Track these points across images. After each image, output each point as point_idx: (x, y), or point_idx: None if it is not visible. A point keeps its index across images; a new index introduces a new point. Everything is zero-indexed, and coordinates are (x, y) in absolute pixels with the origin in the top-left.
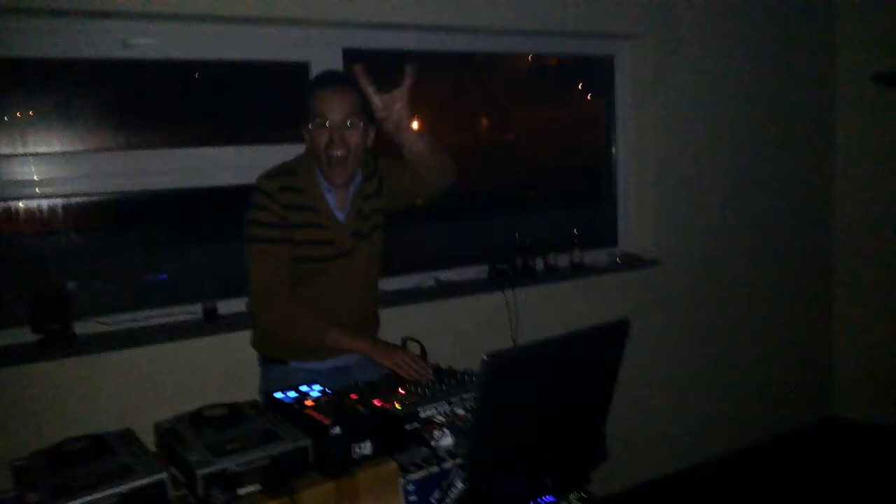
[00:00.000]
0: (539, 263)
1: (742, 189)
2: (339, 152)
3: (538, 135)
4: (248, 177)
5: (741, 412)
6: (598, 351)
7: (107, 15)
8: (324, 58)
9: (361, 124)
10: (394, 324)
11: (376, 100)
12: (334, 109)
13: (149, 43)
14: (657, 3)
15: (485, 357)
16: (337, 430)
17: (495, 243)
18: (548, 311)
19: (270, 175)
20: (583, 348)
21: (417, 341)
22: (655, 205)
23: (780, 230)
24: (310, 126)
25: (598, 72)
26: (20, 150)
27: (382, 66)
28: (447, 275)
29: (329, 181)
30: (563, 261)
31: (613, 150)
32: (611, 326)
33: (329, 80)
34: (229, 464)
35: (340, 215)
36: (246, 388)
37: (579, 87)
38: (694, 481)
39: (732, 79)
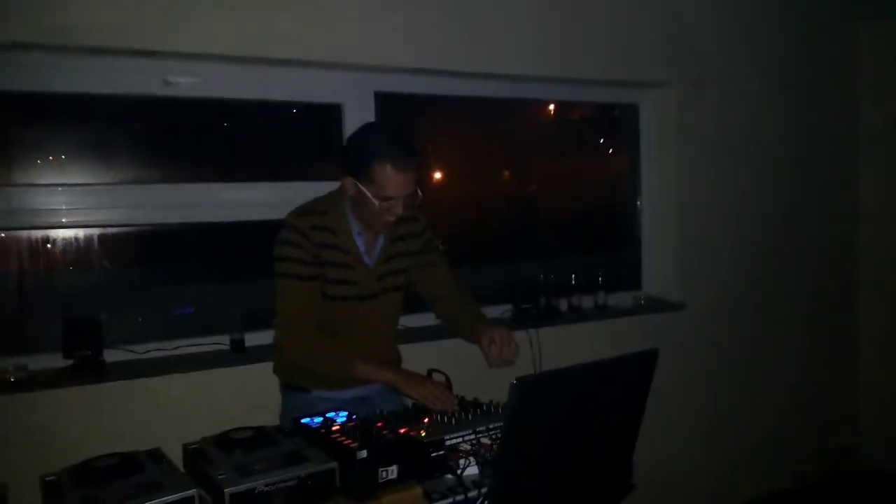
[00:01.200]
0: (563, 304)
1: (765, 234)
2: (393, 220)
3: (565, 181)
4: (276, 213)
5: (764, 459)
6: (626, 379)
7: (150, 53)
8: (356, 100)
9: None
10: (419, 359)
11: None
12: (403, 189)
13: (189, 82)
14: (681, 52)
15: (514, 381)
16: (363, 453)
17: (520, 283)
18: (570, 350)
19: (302, 213)
20: (611, 376)
21: (443, 373)
22: (679, 249)
23: (804, 275)
24: (367, 193)
25: (625, 119)
26: (55, 180)
27: (411, 110)
28: None
29: (373, 234)
30: (587, 302)
31: (638, 195)
32: (639, 355)
33: (400, 158)
34: (256, 483)
35: (369, 260)
36: (269, 418)
37: (606, 133)
38: None
39: (754, 124)
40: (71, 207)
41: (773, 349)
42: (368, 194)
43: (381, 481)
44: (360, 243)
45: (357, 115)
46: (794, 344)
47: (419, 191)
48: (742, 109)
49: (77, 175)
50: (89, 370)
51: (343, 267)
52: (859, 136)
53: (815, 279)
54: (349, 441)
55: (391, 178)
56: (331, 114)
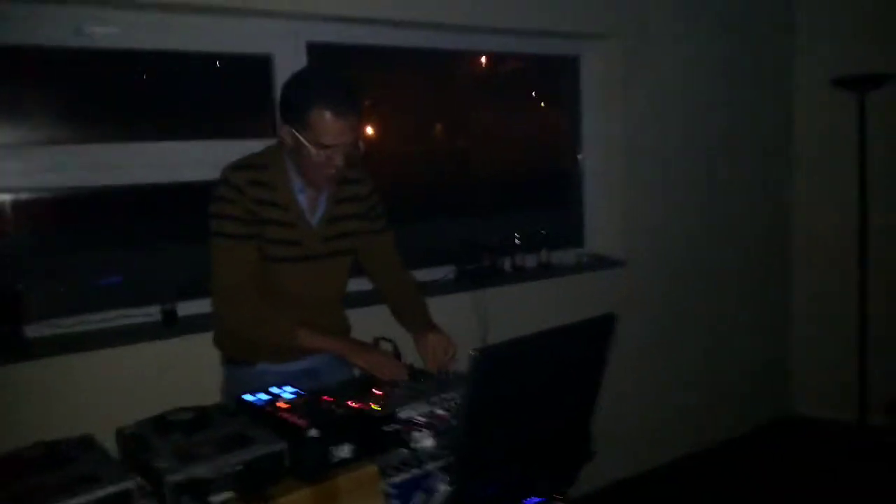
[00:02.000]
0: (507, 264)
1: (707, 189)
2: (334, 171)
3: (505, 136)
4: (208, 173)
5: (705, 411)
6: (585, 346)
7: (60, 1)
8: (287, 51)
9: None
10: (365, 325)
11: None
12: (341, 137)
13: (105, 31)
14: (623, 3)
15: (472, 352)
16: (314, 432)
17: (462, 244)
18: (516, 310)
19: (238, 167)
20: (570, 343)
21: (391, 340)
22: (622, 205)
23: (742, 230)
24: (304, 142)
25: (565, 74)
26: None
27: (344, 62)
28: (415, 275)
29: (315, 189)
30: (530, 261)
31: (580, 151)
32: (598, 321)
33: (339, 102)
34: (200, 470)
35: (312, 218)
36: (208, 393)
37: (547, 88)
38: (660, 480)
39: (697, 80)
40: None
41: (713, 304)
42: (306, 143)
43: (333, 461)
44: (302, 200)
45: (288, 67)
46: (732, 299)
47: (361, 143)
48: (684, 66)
49: None
50: (9, 347)
51: (283, 225)
52: (797, 90)
53: (752, 236)
54: (298, 419)
55: (329, 124)
56: (261, 66)
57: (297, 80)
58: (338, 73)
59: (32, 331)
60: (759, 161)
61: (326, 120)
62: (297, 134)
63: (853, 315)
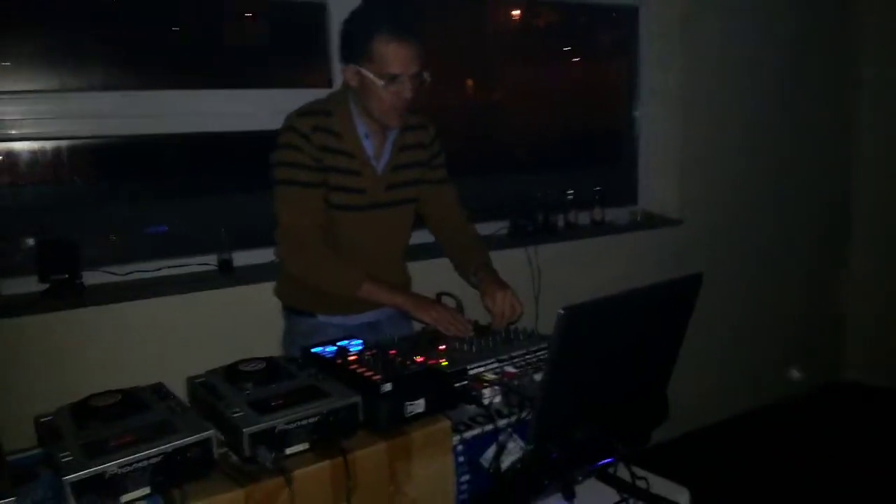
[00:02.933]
0: (560, 220)
1: (766, 149)
2: (405, 104)
3: (563, 90)
4: (259, 123)
5: (755, 373)
6: (669, 306)
7: None
8: None
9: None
10: (426, 278)
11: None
12: (409, 67)
13: None
14: None
15: (560, 311)
16: (388, 387)
17: (516, 199)
18: (568, 267)
19: (304, 113)
20: (656, 303)
21: (454, 296)
22: (678, 164)
23: (801, 191)
24: (371, 76)
25: (624, 24)
26: (12, 87)
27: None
28: None
29: (385, 127)
30: (583, 218)
31: (636, 107)
32: (683, 280)
33: (405, 31)
34: (276, 422)
35: (377, 165)
36: (265, 343)
37: (603, 41)
38: (710, 440)
39: (762, 37)
40: (32, 117)
41: (768, 266)
42: (372, 76)
43: (407, 415)
44: (368, 147)
45: (342, 14)
46: (788, 261)
47: (427, 74)
48: (750, 19)
49: (38, 81)
50: (67, 294)
51: (348, 173)
52: (861, 61)
53: (812, 200)
54: (371, 373)
55: (394, 52)
56: (316, 14)
57: (356, 15)
58: (397, 1)
59: (89, 278)
60: (822, 120)
61: (391, 48)
62: (362, 70)
63: None
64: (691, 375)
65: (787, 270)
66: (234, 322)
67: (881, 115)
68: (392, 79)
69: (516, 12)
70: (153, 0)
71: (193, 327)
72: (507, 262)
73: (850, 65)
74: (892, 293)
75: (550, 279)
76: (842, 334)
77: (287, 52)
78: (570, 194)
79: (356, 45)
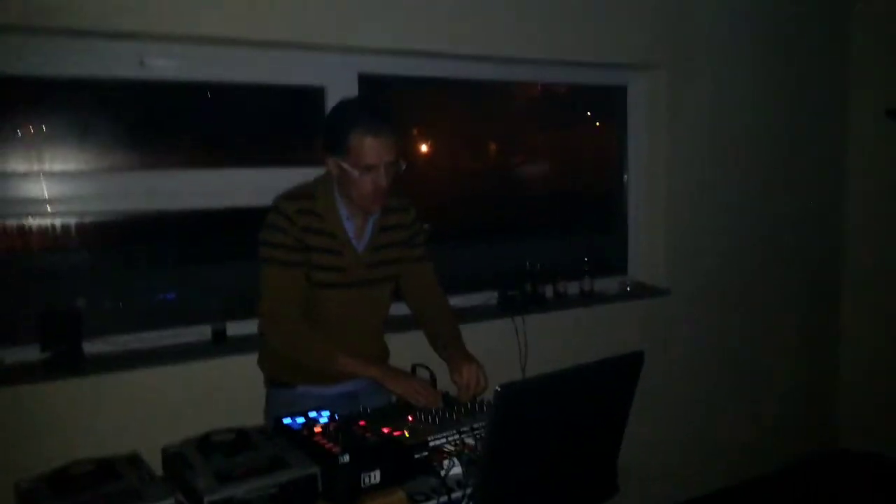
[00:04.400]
0: (549, 291)
1: (752, 220)
2: (381, 192)
3: (550, 161)
4: (261, 199)
5: (749, 443)
6: (611, 383)
7: (124, 35)
8: (340, 82)
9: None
10: (402, 350)
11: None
12: (382, 156)
13: (166, 64)
14: (670, 34)
15: (497, 388)
16: (346, 458)
17: (505, 270)
18: (557, 338)
19: (289, 196)
20: (596, 380)
21: (427, 368)
22: (666, 234)
23: (790, 262)
24: (348, 168)
25: (612, 100)
26: (34, 167)
27: (395, 91)
28: (456, 301)
29: (364, 212)
30: (572, 288)
31: (625, 177)
32: (625, 358)
33: (377, 126)
34: (237, 491)
35: (358, 245)
36: (253, 411)
37: (592, 114)
38: None
39: (745, 110)
40: (56, 195)
41: (758, 334)
42: (350, 168)
43: (363, 486)
44: (349, 228)
45: (341, 97)
46: (778, 330)
47: (402, 162)
48: (732, 94)
49: (56, 162)
50: (67, 363)
51: (330, 252)
52: (849, 125)
53: (801, 267)
54: (331, 445)
55: (368, 145)
56: (314, 97)
57: (334, 111)
58: (368, 98)
59: (89, 347)
60: (810, 191)
61: (365, 142)
62: (341, 162)
63: None
64: (680, 445)
65: (778, 337)
66: (226, 392)
67: (871, 179)
68: (368, 168)
69: (510, 86)
70: (162, 87)
71: (187, 397)
72: (494, 332)
73: (840, 127)
74: (884, 359)
75: (538, 350)
76: (834, 401)
77: (289, 133)
78: (560, 264)
79: (335, 140)
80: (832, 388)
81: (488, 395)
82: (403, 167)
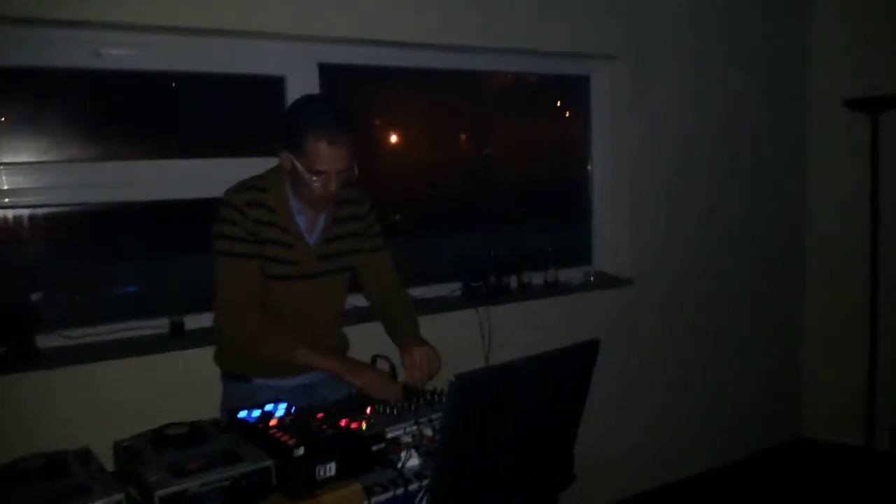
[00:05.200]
0: (513, 281)
1: (717, 209)
2: (329, 197)
3: (514, 152)
4: (219, 190)
5: (712, 432)
6: (567, 372)
7: (77, 24)
8: (299, 72)
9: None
10: (363, 341)
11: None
12: (335, 164)
13: (120, 54)
14: (633, 24)
15: (451, 379)
16: (301, 451)
17: (469, 260)
18: (521, 328)
19: (239, 189)
20: (552, 369)
21: (387, 359)
22: (630, 224)
23: (753, 251)
24: (300, 168)
25: (576, 90)
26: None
27: (356, 82)
28: (420, 291)
29: (313, 209)
30: (537, 279)
31: (589, 168)
32: (580, 347)
33: (333, 132)
34: (189, 484)
35: (310, 238)
36: (212, 405)
37: (556, 104)
38: (664, 502)
39: (707, 99)
40: (10, 187)
41: (721, 324)
42: (302, 168)
43: (318, 479)
44: (301, 221)
45: (300, 87)
46: (741, 321)
47: (355, 167)
48: (695, 85)
49: (10, 153)
50: (19, 358)
51: (282, 245)
52: (810, 116)
53: (764, 258)
54: (286, 437)
55: (322, 152)
56: (274, 87)
57: (293, 109)
58: (333, 101)
59: (44, 341)
60: (771, 180)
61: (320, 148)
62: (293, 160)
63: (862, 338)
64: (642, 435)
65: (740, 327)
66: (183, 385)
67: (832, 169)
68: (319, 173)
69: (473, 77)
70: (117, 77)
71: (143, 390)
72: (458, 323)
73: (801, 118)
74: (845, 347)
75: (502, 340)
76: (796, 391)
77: (248, 123)
78: (524, 255)
79: (290, 137)
80: (795, 378)
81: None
82: (357, 173)
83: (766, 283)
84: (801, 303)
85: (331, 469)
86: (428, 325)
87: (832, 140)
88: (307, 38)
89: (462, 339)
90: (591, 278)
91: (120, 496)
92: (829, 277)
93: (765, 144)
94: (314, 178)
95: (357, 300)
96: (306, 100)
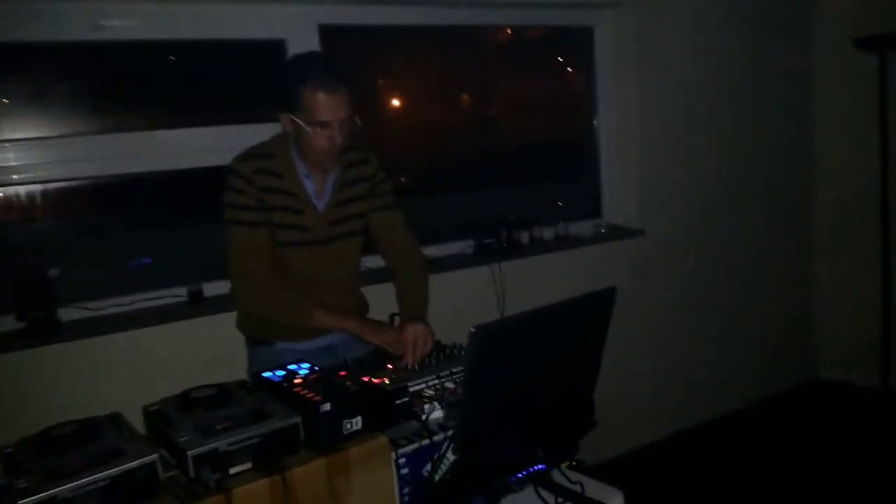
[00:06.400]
0: (524, 237)
1: (724, 155)
2: (336, 149)
3: (521, 109)
4: (228, 157)
5: (727, 377)
6: (584, 320)
7: None
8: (300, 35)
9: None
10: (381, 301)
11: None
12: (336, 114)
13: (120, 24)
14: None
15: (472, 329)
16: (326, 406)
17: (480, 218)
18: (534, 283)
19: (245, 157)
20: (569, 318)
21: None
22: (638, 174)
23: (762, 195)
24: (302, 124)
25: (579, 43)
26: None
27: (358, 42)
28: (432, 250)
29: (321, 170)
30: (548, 233)
31: (595, 121)
32: (597, 295)
33: (328, 81)
34: (219, 443)
35: (319, 203)
36: (234, 369)
37: (561, 59)
38: (680, 447)
39: (712, 46)
40: (21, 164)
41: (733, 270)
42: (304, 124)
43: (345, 433)
44: (309, 186)
45: (301, 50)
46: (752, 264)
47: (357, 118)
48: (700, 32)
49: (17, 130)
50: (44, 331)
51: (291, 211)
52: (817, 57)
53: (773, 200)
54: (312, 394)
55: (321, 102)
56: (275, 51)
57: (285, 68)
58: (320, 54)
59: (65, 314)
60: (779, 125)
61: (318, 99)
62: (295, 119)
63: (875, 278)
64: (659, 383)
65: (753, 273)
66: (205, 350)
67: (840, 110)
68: (322, 125)
69: (477, 34)
70: (119, 48)
71: (166, 357)
72: (472, 280)
73: (808, 62)
74: (857, 288)
75: (516, 295)
76: (811, 333)
77: (251, 89)
78: (535, 210)
79: (288, 96)
80: (809, 321)
81: (461, 341)
82: (359, 124)
83: (777, 227)
84: (812, 245)
85: (357, 423)
86: (442, 284)
87: (839, 81)
88: (306, 0)
89: (476, 296)
90: (602, 230)
91: (154, 456)
92: (840, 219)
93: (771, 89)
94: (318, 132)
95: (372, 261)
96: (295, 58)
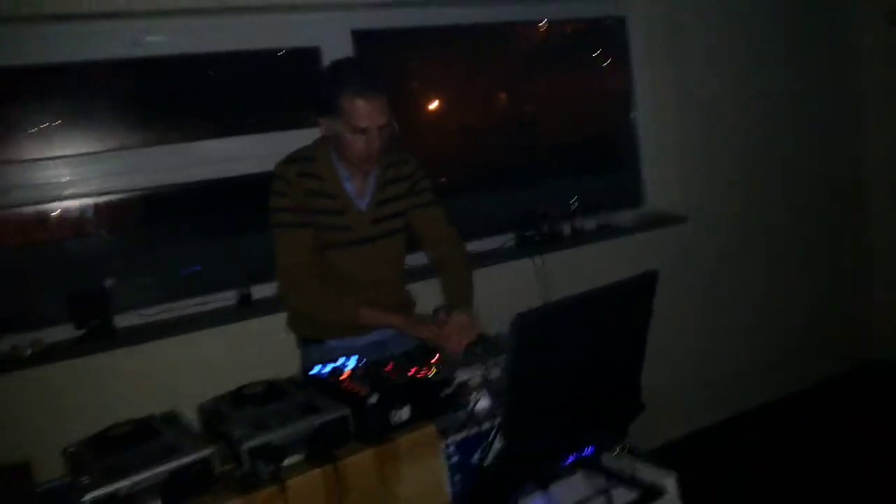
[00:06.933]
0: (566, 228)
1: (764, 138)
2: (374, 152)
3: (558, 103)
4: (269, 164)
5: (779, 361)
6: (627, 304)
7: (115, 16)
8: (333, 41)
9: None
10: (426, 296)
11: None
12: (375, 120)
13: (159, 40)
14: None
15: (514, 317)
16: (374, 398)
17: (521, 211)
18: (576, 273)
19: (288, 161)
20: (611, 303)
21: None
22: (677, 161)
23: (807, 176)
24: (342, 130)
25: (614, 35)
26: (47, 153)
27: (392, 46)
28: (474, 245)
29: (360, 172)
30: (589, 224)
31: (633, 114)
32: (638, 279)
33: (365, 87)
34: (272, 436)
35: (360, 202)
36: (284, 368)
37: (596, 54)
38: (738, 431)
39: (747, 28)
40: (72, 179)
41: (780, 253)
42: (342, 129)
43: (393, 424)
44: (350, 188)
45: (336, 56)
46: (800, 248)
47: (394, 122)
48: (734, 13)
49: (68, 146)
50: (101, 338)
51: (333, 213)
52: (854, 33)
53: (819, 178)
54: (359, 388)
55: (360, 108)
56: (311, 58)
57: (324, 74)
58: (357, 60)
59: (121, 321)
60: (820, 104)
61: (357, 104)
62: (333, 124)
63: None
64: (708, 368)
65: (800, 254)
66: (256, 351)
67: (886, 97)
68: (361, 131)
69: (510, 32)
70: (159, 63)
71: (218, 359)
72: (514, 273)
73: (850, 43)
74: None
75: (559, 286)
76: (868, 313)
77: (289, 97)
78: (573, 203)
79: (326, 103)
80: (862, 301)
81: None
82: (397, 128)
83: (824, 208)
84: (864, 223)
85: (404, 414)
86: (484, 278)
87: (882, 57)
88: (339, 6)
89: (518, 289)
90: (643, 218)
91: (209, 451)
92: (892, 196)
93: (810, 66)
94: (358, 137)
95: (416, 259)
96: (332, 65)
